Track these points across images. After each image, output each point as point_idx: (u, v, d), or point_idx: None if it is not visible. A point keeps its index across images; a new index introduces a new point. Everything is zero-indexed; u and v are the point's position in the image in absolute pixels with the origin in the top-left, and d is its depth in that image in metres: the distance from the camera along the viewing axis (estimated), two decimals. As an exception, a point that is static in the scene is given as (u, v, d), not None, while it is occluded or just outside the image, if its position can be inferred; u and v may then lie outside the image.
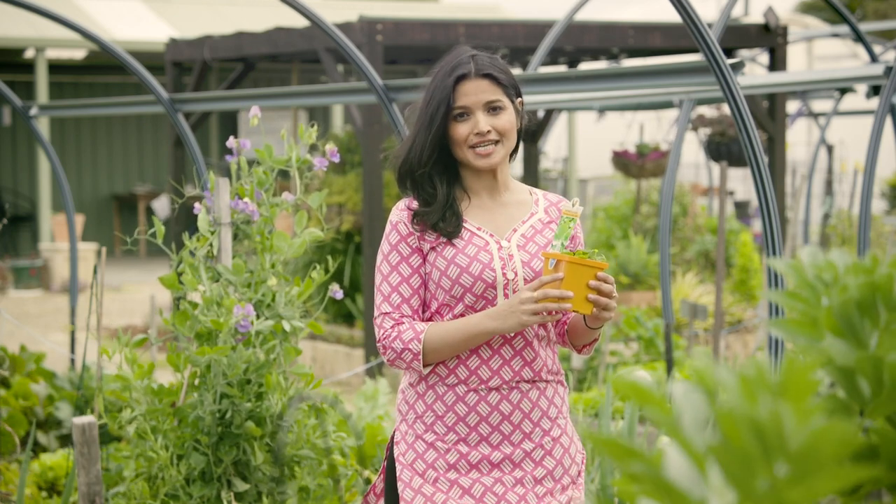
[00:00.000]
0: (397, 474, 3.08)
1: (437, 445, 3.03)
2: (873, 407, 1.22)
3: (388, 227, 3.07)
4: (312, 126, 4.18)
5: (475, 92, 3.02)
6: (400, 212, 3.06)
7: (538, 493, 3.02)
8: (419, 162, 3.03)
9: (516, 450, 3.02)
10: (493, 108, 3.03)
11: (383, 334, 3.00)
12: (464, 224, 3.05)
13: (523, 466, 3.02)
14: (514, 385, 3.02)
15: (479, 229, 3.05)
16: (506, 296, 3.01)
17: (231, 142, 4.14)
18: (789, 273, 1.28)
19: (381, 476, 3.18)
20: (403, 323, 3.00)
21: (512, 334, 3.01)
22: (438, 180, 3.05)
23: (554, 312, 2.89)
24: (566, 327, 3.13)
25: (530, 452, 3.03)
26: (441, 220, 3.02)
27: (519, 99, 3.10)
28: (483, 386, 3.01)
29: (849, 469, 1.01)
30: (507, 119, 3.04)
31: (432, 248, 3.03)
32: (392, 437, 3.14)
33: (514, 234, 3.07)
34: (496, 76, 3.03)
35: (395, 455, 3.09)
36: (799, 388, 1.03)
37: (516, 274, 3.01)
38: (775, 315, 4.23)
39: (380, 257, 3.07)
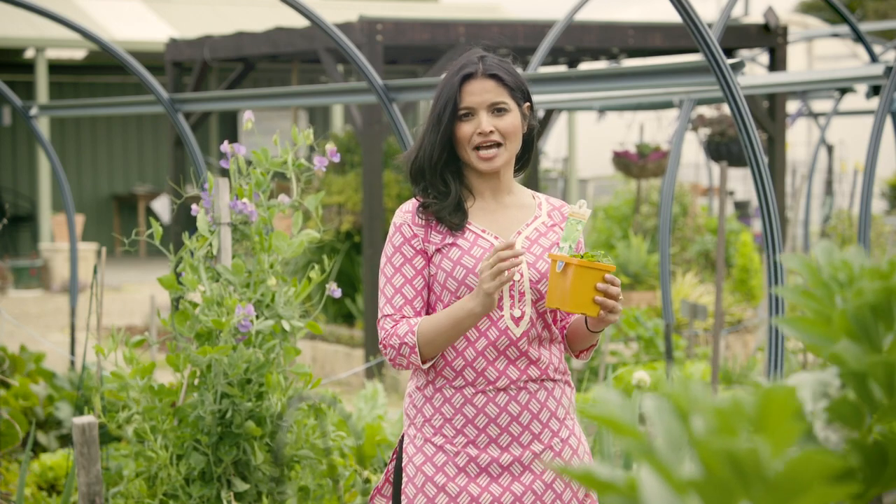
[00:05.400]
0: (402, 487, 3.05)
1: (447, 448, 3.00)
2: (884, 411, 1.22)
3: (391, 230, 3.05)
4: (310, 128, 4.18)
5: (480, 92, 3.01)
6: (404, 213, 3.04)
7: (546, 500, 3.01)
8: (429, 162, 3.01)
9: (525, 451, 3.00)
10: (497, 110, 3.01)
11: (384, 335, 2.98)
12: (468, 226, 3.03)
13: (533, 469, 3.00)
14: (521, 385, 3.00)
15: (483, 231, 3.03)
16: (511, 297, 2.99)
17: (225, 146, 4.14)
18: (804, 270, 1.27)
19: (387, 478, 3.15)
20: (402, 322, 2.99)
21: (517, 335, 2.99)
22: (451, 178, 3.04)
23: (510, 271, 2.82)
24: (566, 332, 3.11)
25: (539, 454, 3.01)
26: (448, 213, 3.01)
27: (527, 104, 3.08)
28: (491, 387, 2.98)
29: (828, 491, 1.02)
30: (511, 121, 3.01)
31: (437, 251, 3.01)
32: (400, 442, 3.11)
33: (519, 236, 3.05)
34: (502, 77, 3.02)
35: (404, 463, 3.06)
36: (776, 417, 1.03)
37: (522, 275, 2.99)
38: (776, 315, 4.23)
39: (383, 259, 3.04)
